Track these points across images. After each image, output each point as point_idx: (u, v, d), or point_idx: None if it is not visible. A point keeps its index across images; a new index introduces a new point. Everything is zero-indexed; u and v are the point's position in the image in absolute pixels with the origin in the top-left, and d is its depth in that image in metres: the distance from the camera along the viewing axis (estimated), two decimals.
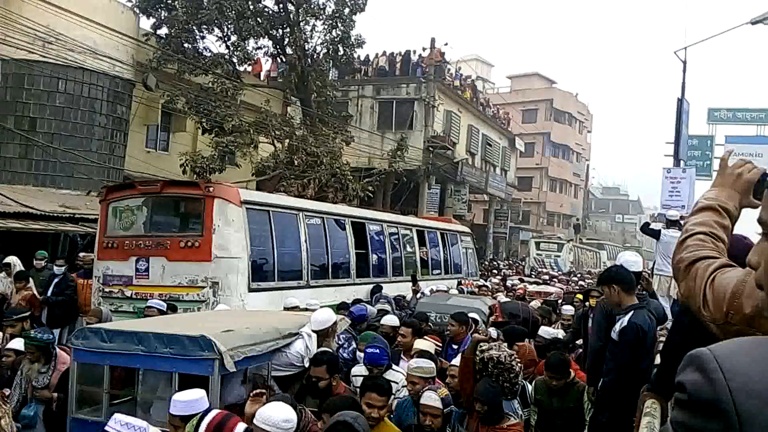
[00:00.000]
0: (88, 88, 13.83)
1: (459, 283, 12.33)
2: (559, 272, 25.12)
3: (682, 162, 22.27)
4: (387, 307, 8.11)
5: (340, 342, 6.60)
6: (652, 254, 10.53)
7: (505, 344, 4.56)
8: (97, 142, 14.03)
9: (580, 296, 8.91)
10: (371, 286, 10.31)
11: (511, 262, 29.96)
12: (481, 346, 3.99)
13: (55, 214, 10.11)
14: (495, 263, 26.12)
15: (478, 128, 29.52)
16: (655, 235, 10.16)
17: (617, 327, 4.26)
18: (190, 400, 3.20)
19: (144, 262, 7.53)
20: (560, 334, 6.02)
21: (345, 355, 6.29)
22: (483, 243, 32.06)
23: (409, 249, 12.48)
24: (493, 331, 5.63)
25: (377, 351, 4.59)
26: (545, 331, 5.88)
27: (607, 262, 35.56)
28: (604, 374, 4.33)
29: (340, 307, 7.72)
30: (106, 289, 7.74)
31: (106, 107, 14.19)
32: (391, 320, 6.20)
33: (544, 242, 31.77)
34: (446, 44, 26.06)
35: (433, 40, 25.50)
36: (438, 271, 13.48)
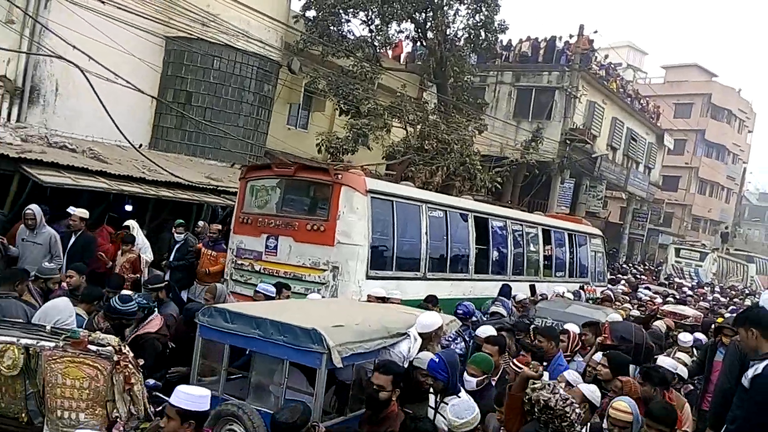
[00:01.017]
0: (239, 67, 14.73)
1: (581, 288, 11.83)
2: (698, 284, 23.24)
3: None
4: (501, 310, 7.95)
5: (449, 339, 6.64)
6: None
7: (562, 384, 3.98)
8: (244, 118, 14.95)
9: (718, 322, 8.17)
10: (491, 284, 10.20)
11: (645, 267, 28.19)
12: (533, 383, 3.53)
13: (201, 185, 10.97)
14: (626, 267, 24.66)
15: (623, 121, 27.87)
16: None
17: (749, 373, 3.88)
18: (192, 395, 3.04)
19: (273, 239, 7.98)
20: (681, 368, 5.22)
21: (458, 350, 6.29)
22: (617, 244, 30.46)
23: (532, 248, 12.14)
24: (598, 356, 5.20)
25: (437, 361, 4.18)
26: (664, 362, 5.06)
27: (755, 276, 32.39)
28: (729, 421, 3.99)
29: (427, 300, 7.64)
30: (239, 262, 8.32)
31: (253, 85, 15.06)
32: (483, 331, 5.77)
33: (686, 249, 29.45)
34: (596, 32, 24.73)
35: (581, 27, 24.30)
36: (561, 273, 13.00)
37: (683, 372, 5.31)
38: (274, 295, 6.78)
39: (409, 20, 20.85)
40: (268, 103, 15.72)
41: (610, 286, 14.94)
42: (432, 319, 4.99)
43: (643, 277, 21.48)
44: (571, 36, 24.55)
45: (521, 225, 11.87)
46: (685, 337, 7.03)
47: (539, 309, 8.94)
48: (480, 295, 9.70)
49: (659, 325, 7.51)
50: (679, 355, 6.31)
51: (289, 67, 15.79)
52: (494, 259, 10.77)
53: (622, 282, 16.58)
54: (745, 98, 45.74)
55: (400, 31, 21.32)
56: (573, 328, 6.42)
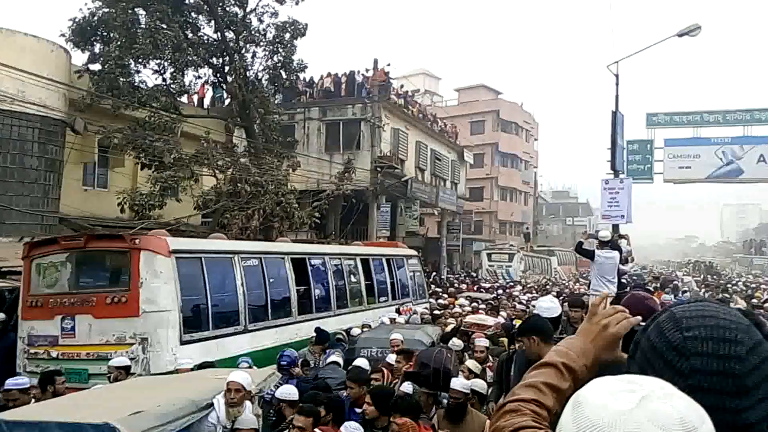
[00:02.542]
0: (18, 130, 13.44)
1: (397, 311, 12.33)
2: (510, 282, 25.51)
3: (621, 173, 23.02)
4: (339, 359, 7.49)
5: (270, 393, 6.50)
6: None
7: None
8: (29, 185, 13.61)
9: (505, 339, 8.46)
10: (317, 322, 10.24)
11: (464, 275, 30.24)
12: None
13: None
14: (448, 279, 26.21)
15: (426, 144, 29.82)
16: (590, 255, 10.34)
17: None
18: None
19: (70, 320, 7.31)
20: (478, 383, 5.34)
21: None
22: (437, 257, 32.39)
23: (353, 279, 12.47)
24: (407, 386, 5.28)
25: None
26: (455, 384, 5.00)
27: (558, 267, 36.33)
28: None
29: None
30: (32, 351, 7.50)
31: (37, 148, 13.81)
32: (286, 393, 5.57)
33: (496, 253, 32.23)
34: (389, 64, 26.27)
35: (375, 61, 25.75)
36: (385, 298, 13.50)
37: (482, 387, 5.50)
38: (26, 387, 5.68)
39: (206, 66, 20.58)
40: (57, 165, 14.47)
41: (432, 301, 15.80)
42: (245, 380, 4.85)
43: (462, 285, 23.00)
44: (367, 70, 25.85)
45: (340, 258, 12.14)
46: (481, 342, 7.29)
47: (363, 339, 9.14)
48: (307, 336, 9.71)
49: (457, 343, 7.79)
50: (469, 363, 6.43)
51: (72, 128, 14.71)
52: (317, 297, 10.88)
53: (442, 293, 17.57)
54: (527, 111, 51.35)
55: (198, 77, 20.95)
56: (391, 358, 6.59)
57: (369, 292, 12.95)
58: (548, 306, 4.89)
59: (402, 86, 30.16)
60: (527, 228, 46.39)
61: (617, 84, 17.50)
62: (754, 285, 25.73)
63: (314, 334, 8.60)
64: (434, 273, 28.74)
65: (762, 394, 1.02)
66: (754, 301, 16.93)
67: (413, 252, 16.52)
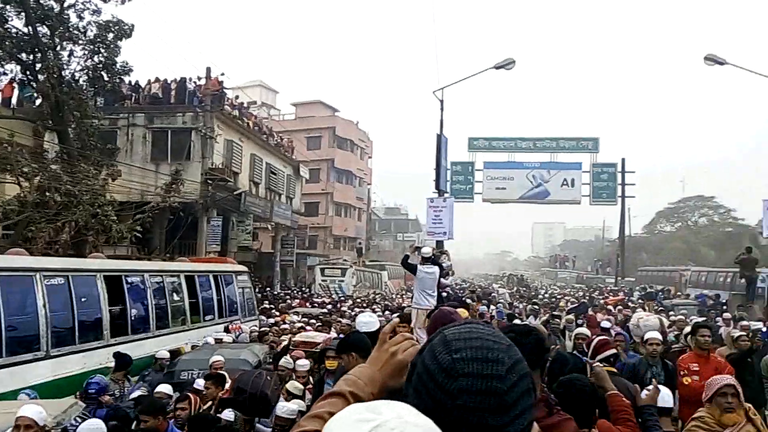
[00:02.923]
0: None
1: (226, 329, 11.98)
2: (342, 297, 25.91)
3: (445, 192, 24.52)
4: (142, 391, 7.03)
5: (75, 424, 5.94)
6: None
7: None
8: None
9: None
10: (132, 345, 9.57)
11: (297, 290, 30.16)
12: None
13: None
14: (279, 296, 25.89)
15: (261, 157, 29.39)
16: (412, 270, 10.83)
17: None
18: None
19: None
20: (299, 405, 5.09)
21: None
22: (271, 272, 31.94)
23: (177, 297, 11.86)
24: (228, 414, 4.98)
25: None
26: (285, 410, 4.88)
27: (388, 282, 37.62)
28: None
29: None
30: None
31: None
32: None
33: (329, 268, 32.57)
34: (223, 74, 25.58)
35: (208, 70, 24.94)
36: (211, 317, 13.02)
37: (303, 408, 5.36)
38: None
39: (13, 61, 18.59)
40: None
41: (262, 318, 15.53)
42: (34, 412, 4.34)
43: (295, 301, 22.89)
44: (199, 78, 24.95)
45: (161, 275, 11.49)
46: (302, 363, 7.12)
47: (183, 362, 8.72)
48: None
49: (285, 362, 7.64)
50: (289, 385, 6.24)
51: None
52: (134, 317, 10.18)
53: (274, 313, 17.34)
54: (362, 129, 52.85)
55: (4, 73, 18.88)
56: (199, 383, 6.28)
57: (194, 311, 12.40)
58: (366, 321, 4.99)
59: (237, 97, 29.56)
60: (360, 243, 47.53)
61: (442, 109, 18.71)
62: (559, 296, 28.59)
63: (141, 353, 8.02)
64: (268, 288, 28.30)
65: (519, 410, 1.10)
66: (556, 312, 18.83)
67: (243, 268, 16.14)
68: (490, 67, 19.54)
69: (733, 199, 57.24)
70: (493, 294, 24.49)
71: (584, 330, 8.29)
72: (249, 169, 27.89)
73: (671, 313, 14.78)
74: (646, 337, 6.81)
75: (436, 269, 10.26)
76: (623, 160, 29.01)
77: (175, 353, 9.30)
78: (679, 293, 26.31)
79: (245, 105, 30.45)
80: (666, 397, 4.03)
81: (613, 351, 5.40)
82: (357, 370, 1.46)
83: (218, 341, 10.24)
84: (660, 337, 6.84)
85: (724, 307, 18.40)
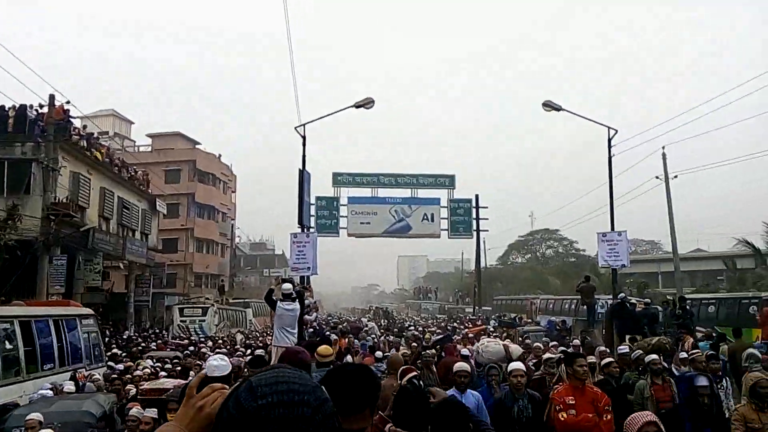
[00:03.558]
0: None
1: (72, 378, 10.97)
2: (202, 338, 24.73)
3: (311, 227, 24.45)
4: None
5: None
6: None
7: None
8: None
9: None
10: None
11: (152, 332, 28.33)
12: None
13: None
14: (131, 339, 24.16)
15: (112, 191, 27.61)
16: (272, 306, 10.66)
17: None
18: None
19: None
20: None
21: None
22: (124, 314, 29.78)
23: (8, 345, 10.67)
24: None
25: None
26: None
27: (252, 319, 36.55)
28: None
29: None
30: None
31: None
32: None
33: (188, 307, 31.02)
34: (68, 102, 23.79)
35: (51, 97, 23.11)
36: (51, 365, 11.83)
37: None
38: None
39: None
40: None
41: (112, 364, 14.39)
42: None
43: (152, 344, 21.46)
44: (41, 106, 23.08)
45: None
46: (148, 412, 6.70)
47: (15, 417, 7.87)
48: None
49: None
50: None
51: None
52: None
53: (124, 358, 16.13)
54: (225, 162, 51.58)
55: None
56: None
57: (30, 360, 11.22)
58: (217, 364, 4.79)
59: (86, 127, 27.64)
60: (223, 280, 45.93)
61: (304, 145, 18.78)
62: (423, 326, 29.33)
63: None
64: (125, 331, 26.32)
65: None
66: (425, 344, 19.26)
67: (87, 311, 14.92)
68: (350, 105, 19.99)
69: (573, 232, 62.65)
70: (364, 328, 24.54)
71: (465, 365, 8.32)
72: (98, 204, 26.05)
73: (527, 339, 15.64)
74: (509, 369, 6.57)
75: (296, 306, 10.16)
76: (477, 196, 30.84)
77: (4, 408, 8.35)
78: (529, 320, 28.12)
79: (95, 135, 28.56)
80: None
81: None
82: (163, 427, 1.41)
83: (58, 391, 9.34)
84: (523, 367, 6.59)
85: (571, 332, 19.94)
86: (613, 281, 21.14)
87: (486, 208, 30.94)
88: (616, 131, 19.98)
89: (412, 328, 29.46)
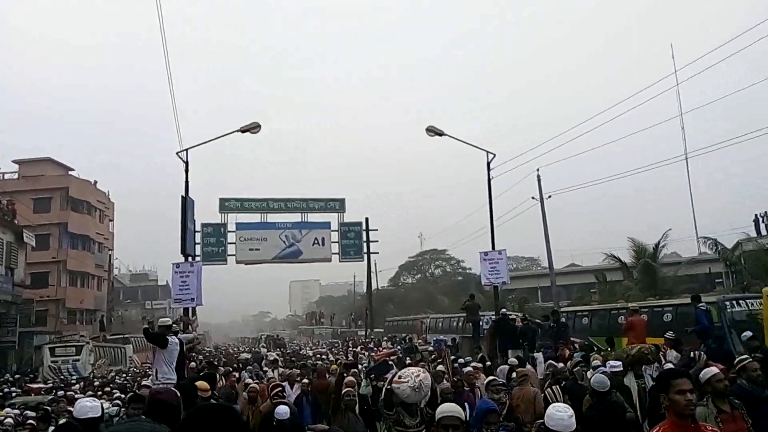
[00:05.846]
0: None
1: None
2: (74, 379, 22.94)
3: (196, 255, 23.58)
4: None
5: None
6: None
7: None
8: None
9: None
10: None
11: (17, 376, 25.88)
12: None
13: None
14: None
15: None
16: (162, 343, 10.16)
17: None
18: None
19: None
20: None
21: None
22: None
23: None
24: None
25: None
26: None
27: (133, 356, 34.46)
28: None
29: None
30: None
31: None
32: None
33: (60, 346, 28.66)
34: None
35: None
36: None
37: None
38: None
39: None
40: None
41: None
42: None
43: (14, 390, 19.52)
44: None
45: None
46: None
47: None
48: None
49: None
50: None
51: None
52: None
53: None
54: (102, 189, 48.67)
55: None
56: None
57: None
58: (90, 406, 4.59)
59: None
60: (102, 315, 43.04)
61: (186, 171, 18.18)
62: (320, 351, 28.69)
63: None
64: None
65: None
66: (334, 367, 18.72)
67: None
68: (235, 129, 19.64)
69: (460, 251, 65.03)
70: (262, 356, 23.54)
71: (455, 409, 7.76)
72: None
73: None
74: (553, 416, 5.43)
75: (176, 340, 9.80)
76: (366, 219, 31.17)
77: None
78: (420, 339, 28.65)
79: None
80: None
81: None
82: None
83: None
84: None
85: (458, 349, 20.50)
86: (496, 298, 22.11)
87: (376, 230, 31.33)
88: (494, 155, 21.07)
89: (310, 354, 28.63)
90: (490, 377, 7.36)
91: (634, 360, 8.93)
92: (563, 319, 19.92)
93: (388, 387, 6.12)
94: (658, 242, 30.01)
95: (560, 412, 4.31)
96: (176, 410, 2.86)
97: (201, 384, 6.69)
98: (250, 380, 10.25)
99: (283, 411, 7.68)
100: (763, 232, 26.93)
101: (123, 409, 9.35)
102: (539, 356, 13.13)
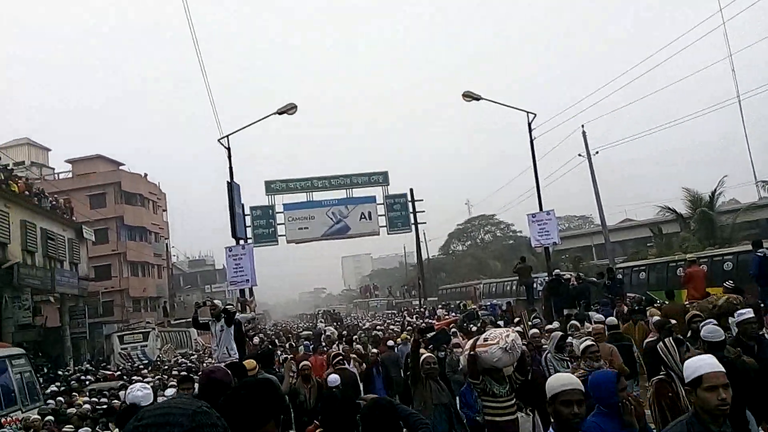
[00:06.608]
0: None
1: None
2: (147, 363, 23.97)
3: (249, 238, 24.11)
4: None
5: None
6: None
7: None
8: None
9: None
10: None
11: (90, 364, 27.22)
12: None
13: None
14: (69, 375, 23.06)
15: (34, 223, 26.33)
16: (206, 327, 10.60)
17: None
18: None
19: None
20: None
21: None
22: (61, 348, 28.52)
23: None
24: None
25: None
26: None
27: (198, 338, 35.71)
28: None
29: None
30: None
31: None
32: None
33: (128, 334, 29.98)
34: None
35: None
36: None
37: None
38: None
39: None
40: None
41: (52, 402, 13.76)
42: None
43: (89, 377, 20.57)
44: None
45: None
46: None
47: None
48: None
49: None
50: None
51: None
52: None
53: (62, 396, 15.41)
54: (152, 181, 50.03)
55: None
56: None
57: None
58: (142, 395, 4.72)
59: (0, 158, 26.26)
60: (164, 302, 44.63)
61: (229, 157, 18.49)
62: (376, 323, 29.10)
63: None
64: (73, 366, 25.07)
65: None
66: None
67: (18, 350, 14.21)
68: (272, 112, 19.79)
69: (509, 215, 64.19)
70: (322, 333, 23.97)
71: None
72: (20, 238, 24.80)
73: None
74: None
75: (221, 323, 10.32)
76: (411, 190, 31.06)
77: None
78: (474, 305, 28.65)
79: (9, 167, 27.22)
80: None
81: None
82: None
83: None
84: None
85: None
86: (547, 259, 21.83)
87: (421, 201, 31.22)
88: (535, 115, 20.62)
89: (366, 324, 28.64)
90: (588, 343, 6.44)
91: (721, 311, 8.44)
92: (619, 276, 19.54)
93: (472, 353, 5.74)
94: (714, 190, 28.93)
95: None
96: (228, 388, 2.94)
97: (248, 363, 6.91)
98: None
99: (333, 379, 7.81)
100: None
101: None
102: (595, 315, 12.90)
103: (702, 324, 6.59)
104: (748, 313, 6.21)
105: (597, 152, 28.86)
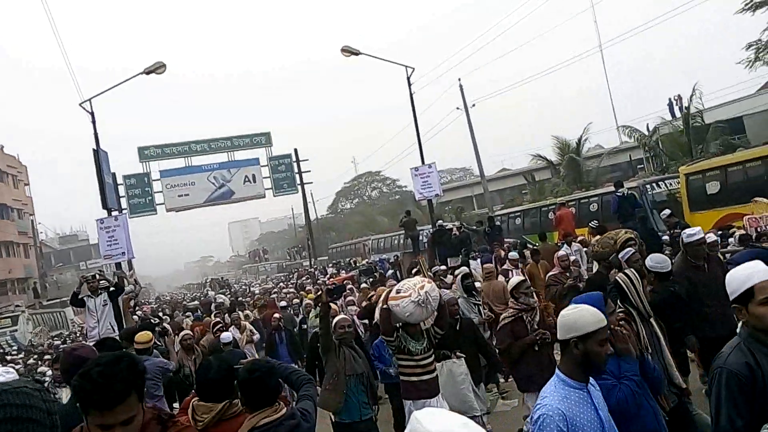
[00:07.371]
0: None
1: None
2: (18, 349, 22.26)
3: (123, 209, 22.69)
4: None
5: None
6: None
7: None
8: None
9: None
10: None
11: None
12: None
13: None
14: None
15: None
16: (79, 303, 10.03)
17: None
18: None
19: None
20: None
21: None
22: None
23: None
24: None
25: None
26: None
27: (75, 318, 33.62)
28: None
29: None
30: None
31: None
32: None
33: None
34: None
35: None
36: None
37: None
38: None
39: None
40: None
41: None
42: None
43: None
44: None
45: None
46: None
47: None
48: None
49: None
50: None
51: None
52: None
53: None
54: (9, 154, 45.59)
55: None
56: None
57: None
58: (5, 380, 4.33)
59: None
60: (35, 282, 41.42)
61: (93, 122, 17.14)
62: (266, 287, 28.76)
63: None
64: None
65: None
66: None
67: None
68: (140, 72, 18.48)
69: (394, 171, 65.42)
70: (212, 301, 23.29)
71: None
72: None
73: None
74: None
75: (97, 298, 9.87)
76: (296, 150, 30.62)
77: None
78: (364, 261, 29.05)
79: None
80: None
81: None
82: None
83: None
84: None
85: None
86: (431, 211, 22.46)
87: (307, 161, 30.88)
88: (413, 69, 20.79)
89: (257, 292, 28.48)
90: (519, 279, 6.16)
91: (623, 245, 8.62)
92: (498, 223, 20.50)
93: (384, 307, 5.14)
94: (581, 136, 30.86)
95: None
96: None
97: (140, 335, 6.57)
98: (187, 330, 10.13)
99: (226, 336, 7.87)
100: (677, 114, 27.93)
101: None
102: (475, 263, 13.49)
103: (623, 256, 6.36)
104: (698, 233, 6.15)
105: (474, 105, 29.78)
